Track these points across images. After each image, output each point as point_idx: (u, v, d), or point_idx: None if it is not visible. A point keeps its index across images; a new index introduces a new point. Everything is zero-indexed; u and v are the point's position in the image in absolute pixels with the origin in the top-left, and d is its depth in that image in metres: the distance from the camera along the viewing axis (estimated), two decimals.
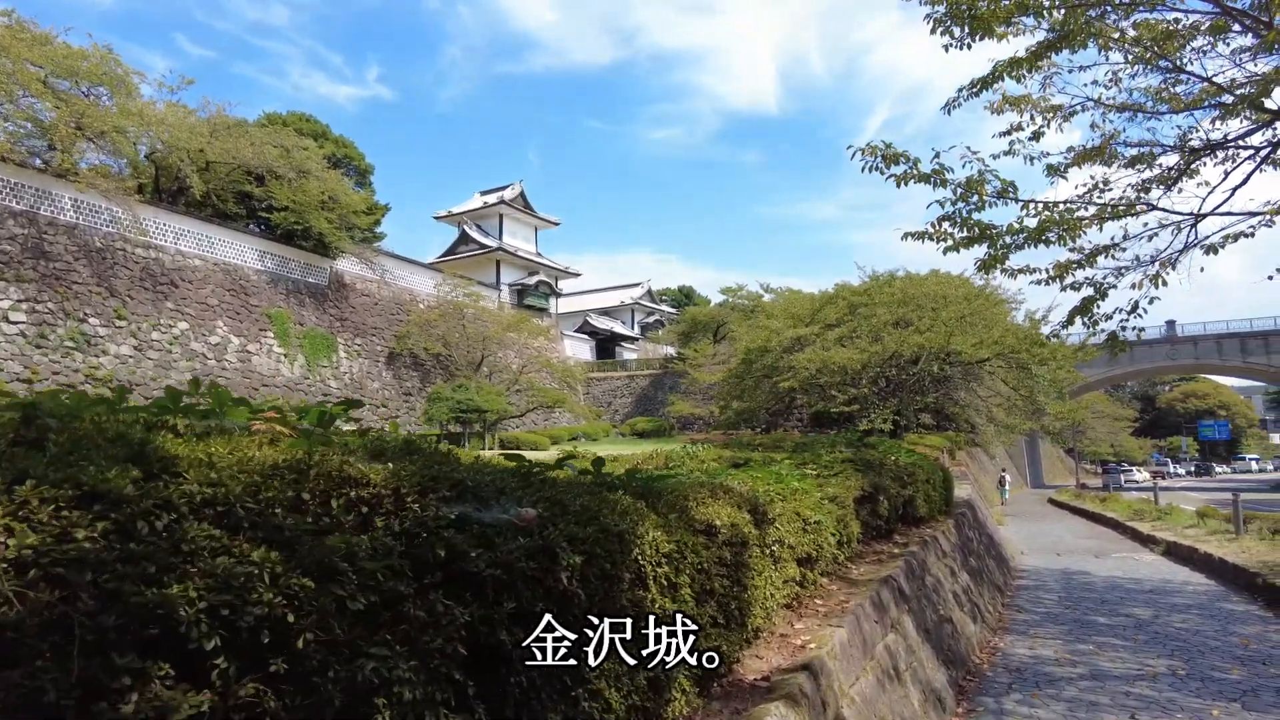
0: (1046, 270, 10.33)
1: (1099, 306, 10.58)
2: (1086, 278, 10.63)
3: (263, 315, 38.54)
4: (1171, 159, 9.16)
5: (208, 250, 37.76)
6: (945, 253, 9.96)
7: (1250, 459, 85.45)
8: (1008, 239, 9.01)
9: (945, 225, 9.16)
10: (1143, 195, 8.94)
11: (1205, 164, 9.15)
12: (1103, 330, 10.57)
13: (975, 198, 8.47)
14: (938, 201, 9.08)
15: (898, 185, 8.81)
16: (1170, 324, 56.01)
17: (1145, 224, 9.75)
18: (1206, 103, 9.01)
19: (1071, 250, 9.26)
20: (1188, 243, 9.18)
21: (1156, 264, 9.42)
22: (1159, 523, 20.91)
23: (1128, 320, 10.04)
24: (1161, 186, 8.95)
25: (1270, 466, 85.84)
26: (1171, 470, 72.71)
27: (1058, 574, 14.85)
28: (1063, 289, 10.64)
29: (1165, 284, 9.59)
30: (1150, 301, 9.86)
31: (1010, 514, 30.99)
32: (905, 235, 10.06)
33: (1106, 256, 9.74)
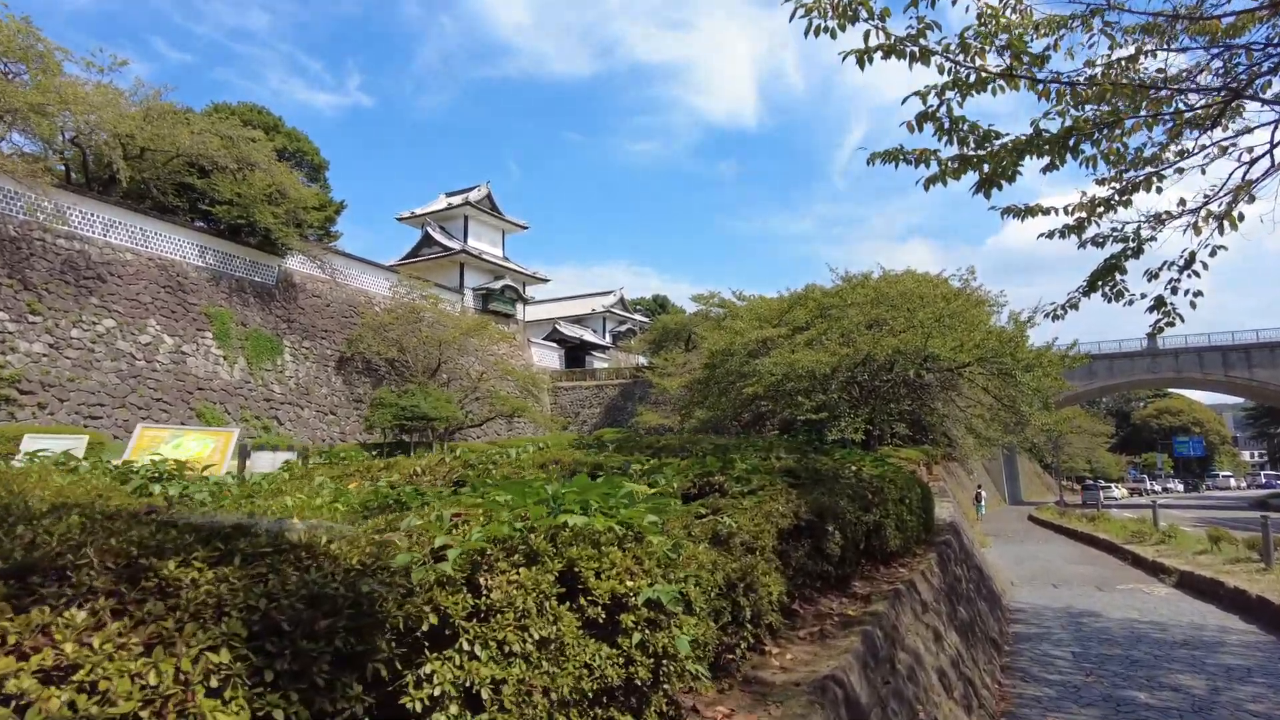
0: (1066, 211, 7.34)
1: (1124, 275, 7.61)
2: (1114, 228, 7.66)
3: (201, 314, 35.42)
4: None
5: (141, 244, 34.54)
6: (928, 185, 6.96)
7: (1225, 475, 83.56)
8: (1016, 151, 5.98)
9: (928, 131, 6.12)
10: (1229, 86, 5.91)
11: None
12: (1133, 298, 7.59)
13: (972, 74, 5.46)
14: (917, 93, 6.06)
15: (859, 64, 5.78)
16: (1151, 337, 53.88)
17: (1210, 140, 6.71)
18: None
19: (1111, 166, 6.24)
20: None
21: (1227, 197, 6.39)
22: (1163, 547, 18.04)
23: (1179, 281, 7.04)
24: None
25: (1245, 484, 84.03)
26: (1149, 487, 70.54)
27: (1061, 615, 11.85)
28: (1081, 245, 7.68)
29: (1236, 226, 6.60)
30: (1212, 254, 6.88)
31: (991, 533, 28.28)
32: (874, 157, 7.06)
33: (1152, 186, 6.72)
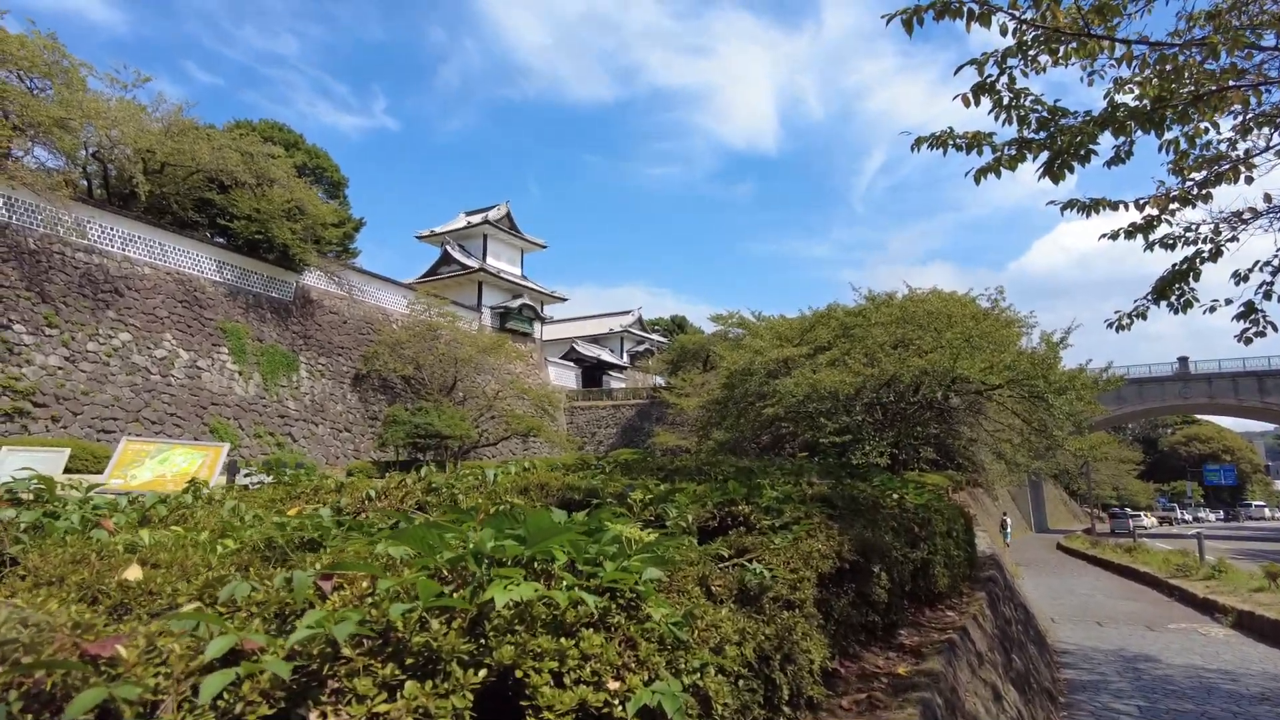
0: (1136, 205, 6.39)
1: (1196, 281, 6.66)
2: (1187, 228, 6.72)
3: (217, 329, 35.15)
4: None
5: (160, 258, 34.41)
6: (979, 177, 6.07)
7: (1259, 505, 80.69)
8: (1094, 126, 5.08)
9: (984, 106, 5.24)
10: None
11: None
12: (1214, 305, 6.63)
13: (1039, 33, 4.59)
14: (973, 62, 5.19)
15: (906, 27, 4.92)
16: (1183, 360, 52.12)
17: None
18: None
19: (1198, 149, 5.31)
20: None
21: None
22: (1213, 583, 16.76)
23: (1272, 284, 6.05)
24: None
25: None
26: (1179, 516, 68.12)
27: (1114, 659, 10.71)
28: (1148, 247, 6.74)
29: None
30: None
31: (1021, 562, 26.95)
32: (919, 142, 6.19)
33: (1240, 176, 5.79)
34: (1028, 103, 5.45)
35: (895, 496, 6.66)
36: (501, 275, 56.96)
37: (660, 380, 69.50)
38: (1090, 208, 6.39)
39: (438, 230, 60.00)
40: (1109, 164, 6.15)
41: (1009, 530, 38.21)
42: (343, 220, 44.55)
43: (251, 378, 35.51)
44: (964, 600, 6.99)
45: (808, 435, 26.27)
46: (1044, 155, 5.83)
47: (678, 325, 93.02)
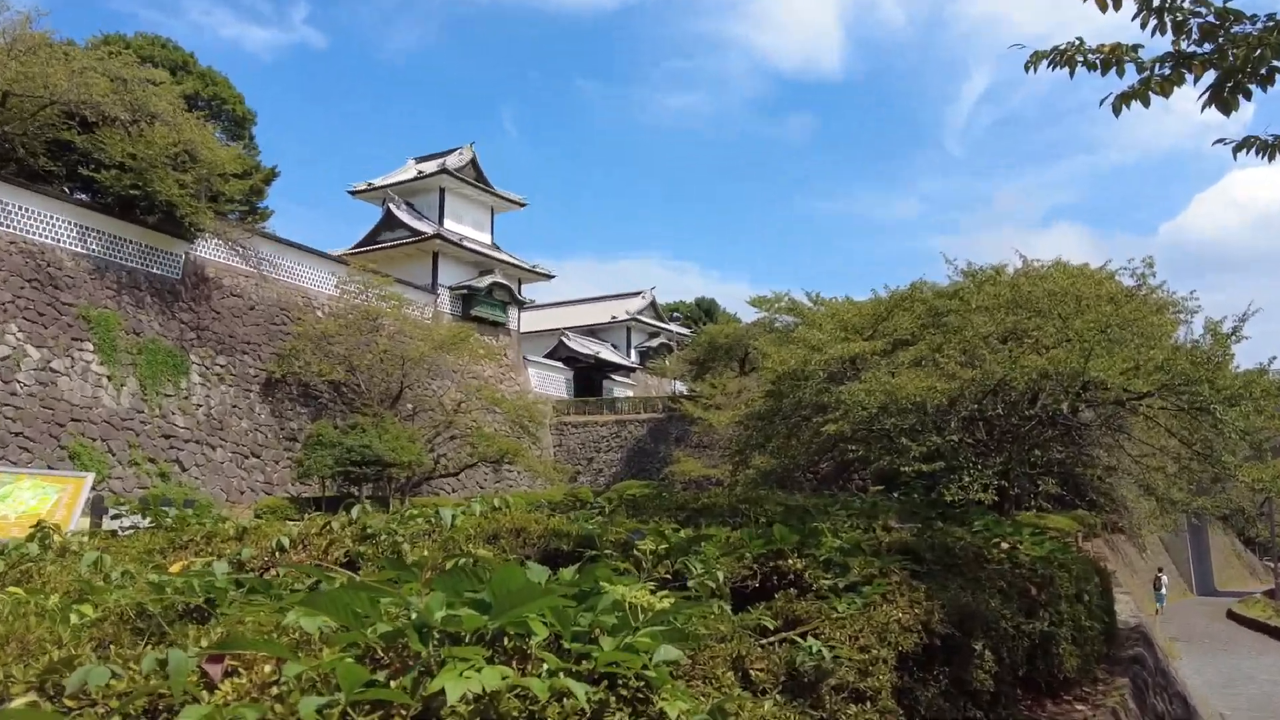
0: None
1: None
2: None
3: (78, 319, 35.40)
4: None
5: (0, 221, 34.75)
6: (1119, 105, 6.04)
7: None
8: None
9: (1127, 9, 5.21)
10: None
11: None
12: None
13: None
14: None
15: None
16: None
17: None
18: None
19: None
20: None
21: None
22: None
23: None
24: None
25: None
26: None
27: None
28: None
29: None
30: None
31: (1179, 636, 26.83)
32: (1037, 57, 6.18)
33: None
34: (1186, 4, 5.40)
35: (1004, 546, 6.64)
36: (465, 244, 57.28)
37: (681, 386, 69.30)
38: (1274, 148, 6.34)
39: (378, 183, 60.21)
40: None
41: (1163, 592, 38.07)
42: (249, 169, 44.74)
43: (125, 384, 35.73)
44: (1099, 689, 6.95)
45: (883, 462, 26.31)
46: (1209, 76, 5.78)
47: (705, 312, 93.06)
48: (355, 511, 5.22)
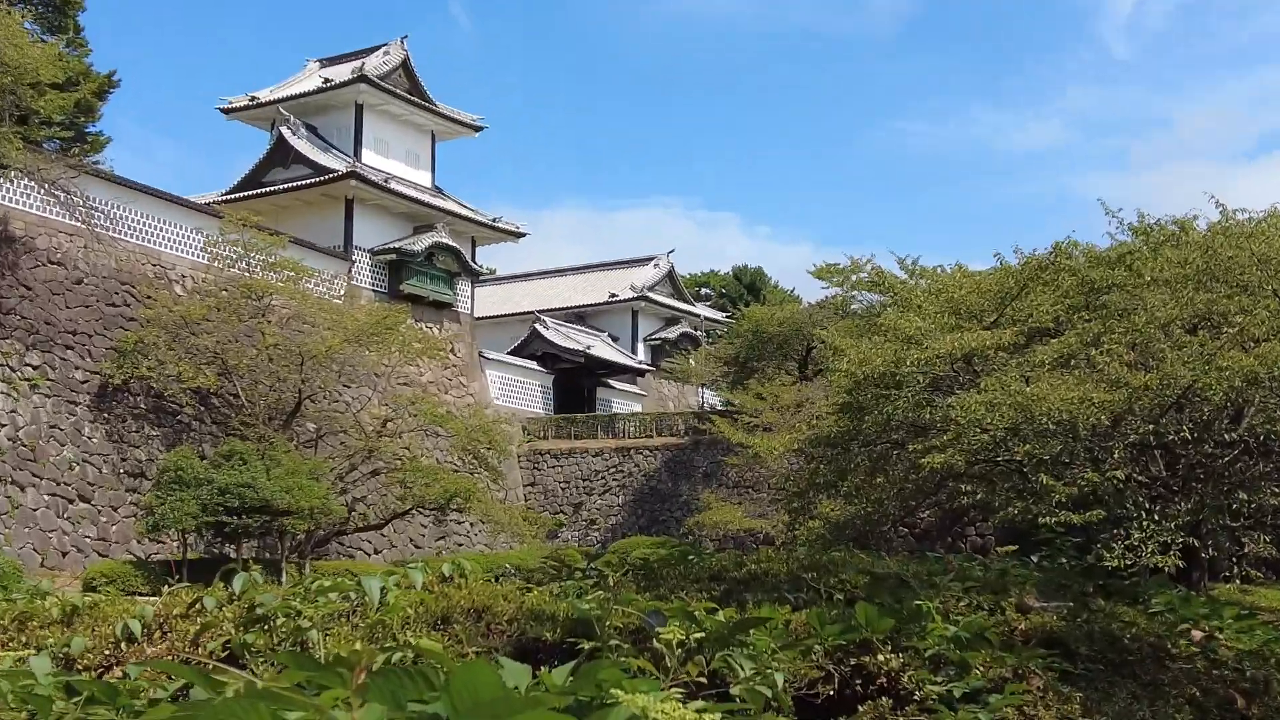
0: None
1: None
2: None
3: None
4: None
5: None
6: None
7: None
8: None
9: None
10: None
11: None
12: None
13: None
14: None
15: None
16: None
17: None
18: None
19: None
20: None
21: None
22: None
23: None
24: None
25: None
26: None
27: None
28: None
29: None
30: None
31: None
32: None
33: None
34: None
35: (1196, 636, 6.66)
36: (393, 185, 57.50)
37: (712, 397, 69.28)
38: None
39: (264, 96, 60.29)
40: None
41: None
42: (75, 77, 44.78)
43: None
44: None
45: (1012, 509, 26.24)
46: None
47: (747, 287, 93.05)
48: (237, 583, 5.22)
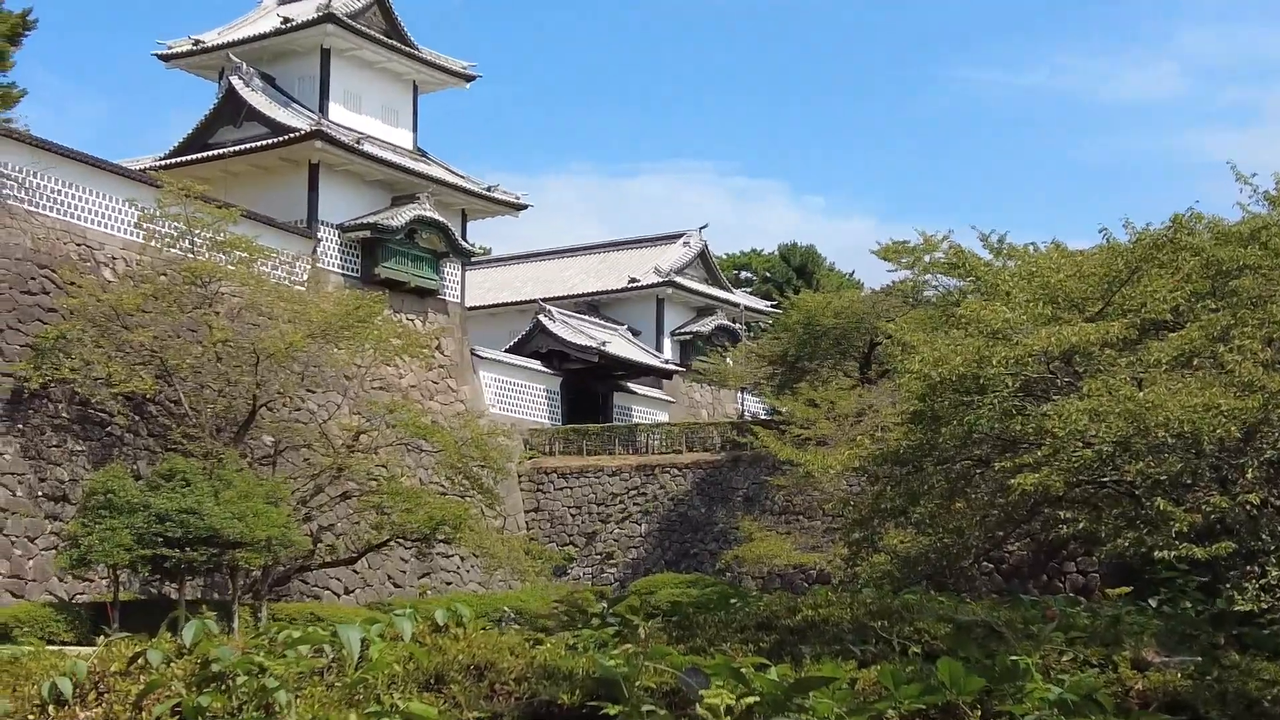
0: None
1: None
2: None
3: None
4: None
5: None
6: None
7: None
8: None
9: None
10: None
11: None
12: None
13: None
14: None
15: None
16: None
17: None
18: None
19: None
20: None
21: None
22: None
23: None
24: None
25: None
26: None
27: None
28: None
29: None
30: None
31: None
32: None
33: None
34: None
35: None
36: (367, 148, 57.53)
37: (754, 403, 69.11)
38: None
39: (211, 40, 60.44)
40: None
41: None
42: None
43: None
44: None
45: (1121, 541, 26.07)
46: None
47: (797, 270, 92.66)
48: (188, 632, 5.23)
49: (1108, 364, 27.58)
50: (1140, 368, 26.95)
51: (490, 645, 5.60)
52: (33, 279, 43.48)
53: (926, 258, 50.26)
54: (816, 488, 45.51)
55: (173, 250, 44.41)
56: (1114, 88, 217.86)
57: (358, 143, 56.63)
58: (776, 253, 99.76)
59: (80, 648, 23.58)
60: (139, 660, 5.09)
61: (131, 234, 46.61)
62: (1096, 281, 30.91)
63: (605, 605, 52.03)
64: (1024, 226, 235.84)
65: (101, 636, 6.98)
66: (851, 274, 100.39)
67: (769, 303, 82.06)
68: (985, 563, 31.70)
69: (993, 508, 29.56)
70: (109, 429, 43.19)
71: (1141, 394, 25.32)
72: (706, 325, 75.63)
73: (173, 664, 5.15)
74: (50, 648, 8.92)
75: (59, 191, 45.46)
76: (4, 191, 42.75)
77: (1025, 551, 32.30)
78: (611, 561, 56.47)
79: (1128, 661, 7.59)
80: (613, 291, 74.62)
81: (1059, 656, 7.63)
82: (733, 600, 10.07)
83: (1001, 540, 31.44)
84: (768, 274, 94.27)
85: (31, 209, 43.98)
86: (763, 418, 59.33)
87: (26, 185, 43.76)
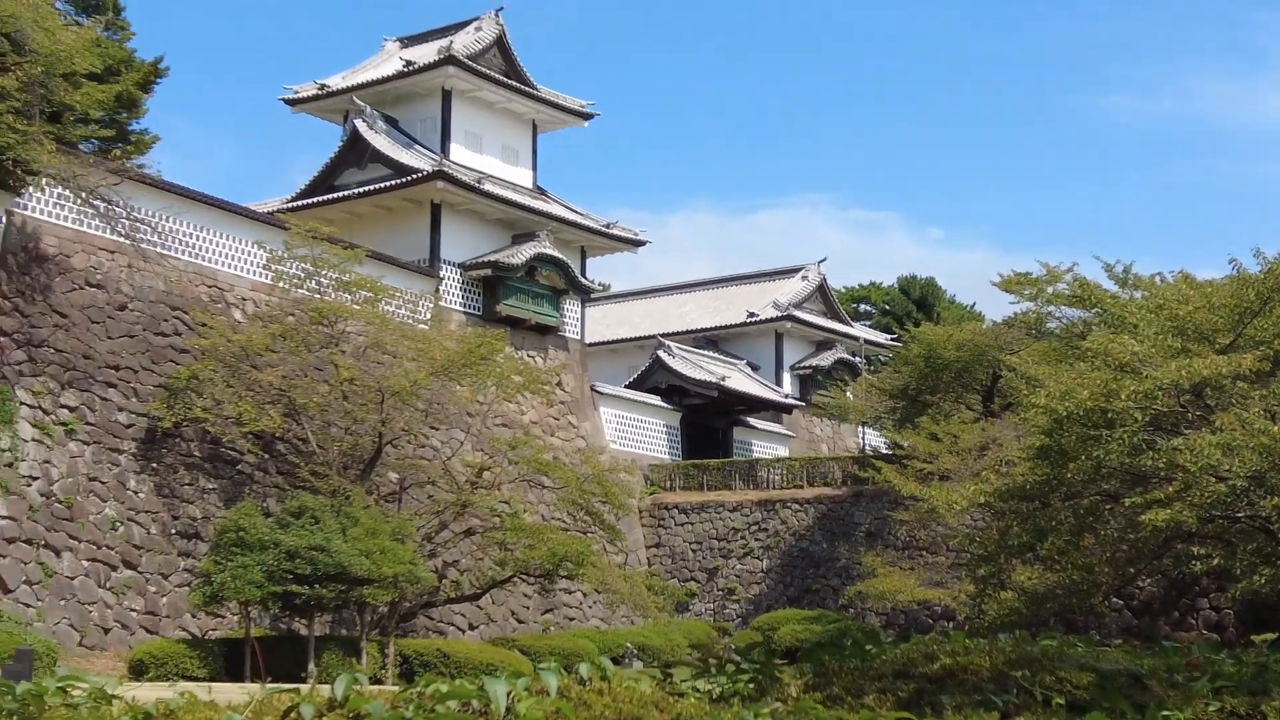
0: None
1: None
2: None
3: None
4: None
5: None
6: None
7: None
8: None
9: None
10: None
11: None
12: None
13: None
14: None
15: None
16: None
17: None
18: None
19: None
20: None
21: None
22: None
23: None
24: None
25: None
26: None
27: None
28: None
29: None
30: None
31: None
32: None
33: None
34: None
35: None
36: (487, 187, 57.95)
37: (875, 437, 68.56)
38: None
39: (335, 84, 61.39)
40: None
41: None
42: (117, 66, 45.73)
43: None
44: None
45: (1257, 577, 26.09)
46: None
47: (917, 303, 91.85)
48: (339, 686, 5.25)
49: (1240, 397, 27.32)
50: (1274, 400, 26.74)
51: (635, 699, 5.57)
52: (165, 320, 44.15)
53: (1049, 289, 49.69)
54: (940, 523, 45.25)
55: (300, 291, 45.04)
56: (1244, 113, 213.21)
57: (478, 182, 57.13)
58: (896, 285, 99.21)
59: (210, 684, 23.72)
60: (292, 715, 5.12)
61: (260, 275, 47.28)
62: (1227, 313, 30.58)
63: (728, 639, 51.95)
64: (1149, 256, 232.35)
65: (256, 685, 7.02)
66: (972, 306, 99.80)
67: (889, 336, 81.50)
68: (1115, 599, 31.38)
69: (1123, 544, 29.35)
70: (239, 467, 43.69)
71: (1276, 427, 25.02)
72: (826, 359, 75.33)
73: (324, 718, 5.17)
74: (185, 684, 8.99)
75: (191, 235, 46.15)
76: (138, 235, 43.26)
77: (1156, 588, 31.98)
78: (733, 597, 56.24)
79: (1275, 712, 7.40)
80: (731, 326, 74.46)
81: (1205, 707, 7.46)
82: (869, 648, 9.89)
83: (1132, 577, 31.12)
84: (887, 306, 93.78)
85: (164, 252, 44.46)
86: (884, 452, 58.90)
87: (159, 229, 44.06)
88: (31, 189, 40.67)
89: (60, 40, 38.89)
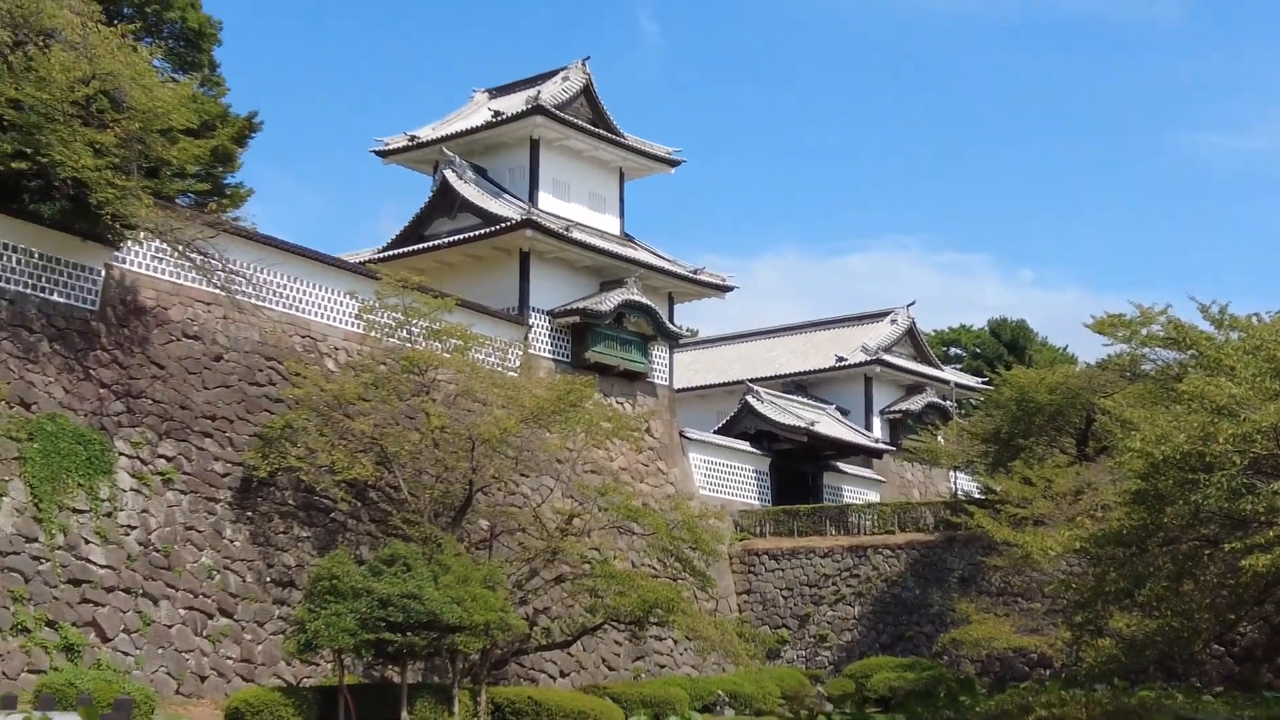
0: None
1: None
2: None
3: None
4: None
5: None
6: None
7: None
8: None
9: None
10: None
11: None
12: None
13: None
14: None
15: None
16: None
17: None
18: None
19: None
20: None
21: None
22: None
23: None
24: None
25: None
26: None
27: None
28: None
29: None
30: None
31: None
32: None
33: None
34: None
35: None
36: (575, 235, 58.13)
37: (967, 481, 68.01)
38: None
39: (425, 135, 61.87)
40: None
41: None
42: (212, 120, 46.26)
43: (4, 493, 36.98)
44: None
45: None
46: None
47: (1008, 345, 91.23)
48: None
49: None
50: None
51: None
52: (260, 370, 44.66)
53: (1143, 331, 49.30)
54: (1035, 568, 44.67)
55: (391, 340, 45.44)
56: None
57: (566, 230, 57.37)
58: (986, 328, 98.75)
59: None
60: None
61: (352, 325, 47.72)
62: None
63: (823, 688, 51.40)
64: (1245, 296, 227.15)
65: None
66: (1064, 348, 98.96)
67: (980, 379, 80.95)
68: (1215, 646, 30.96)
69: (1222, 589, 28.89)
70: (332, 515, 44.01)
71: None
72: (916, 403, 75.00)
73: None
74: None
75: (284, 286, 46.71)
76: (233, 287, 43.70)
77: (1258, 634, 31.45)
78: (825, 644, 55.91)
79: None
80: (820, 371, 74.36)
81: None
82: (963, 699, 9.77)
83: (1233, 623, 30.54)
84: (977, 349, 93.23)
85: (259, 303, 45.05)
86: (977, 497, 58.50)
87: (254, 280, 44.57)
88: (130, 243, 41.38)
89: (157, 97, 39.33)
